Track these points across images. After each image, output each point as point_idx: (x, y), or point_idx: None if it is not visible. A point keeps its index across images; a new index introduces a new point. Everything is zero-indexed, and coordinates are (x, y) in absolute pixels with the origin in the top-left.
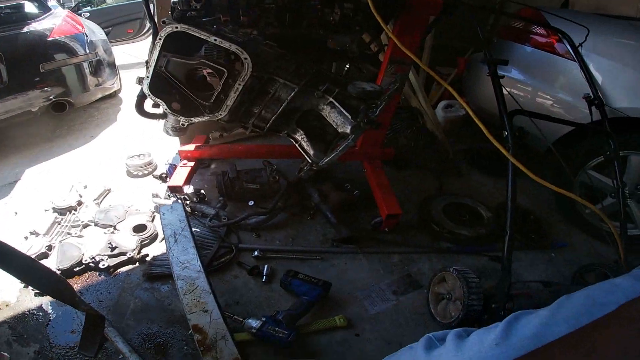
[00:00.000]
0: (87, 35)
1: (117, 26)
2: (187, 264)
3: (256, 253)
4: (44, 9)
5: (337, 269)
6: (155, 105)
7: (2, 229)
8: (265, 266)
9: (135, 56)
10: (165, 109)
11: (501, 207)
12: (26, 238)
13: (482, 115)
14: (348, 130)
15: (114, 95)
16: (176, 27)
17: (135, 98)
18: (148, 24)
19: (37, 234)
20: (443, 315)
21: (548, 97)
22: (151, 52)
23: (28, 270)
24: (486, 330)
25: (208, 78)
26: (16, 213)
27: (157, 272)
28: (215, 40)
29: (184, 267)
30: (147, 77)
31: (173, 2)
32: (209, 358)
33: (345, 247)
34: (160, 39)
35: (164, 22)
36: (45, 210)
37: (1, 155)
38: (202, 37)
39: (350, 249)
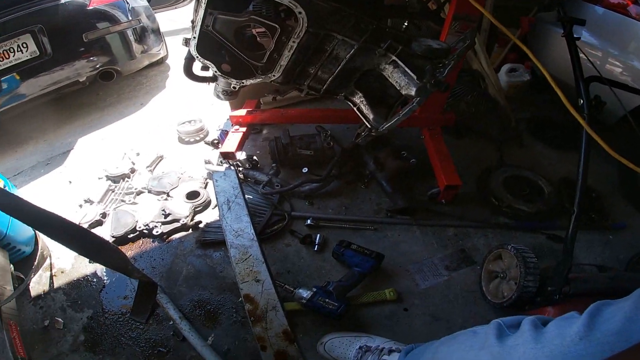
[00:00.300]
0: (127, 2)
1: None
2: (241, 232)
3: (309, 221)
4: None
5: (390, 241)
6: (204, 68)
7: (57, 197)
8: (318, 235)
9: (179, 22)
10: (215, 71)
11: (563, 182)
12: (80, 206)
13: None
14: (413, 92)
15: (161, 62)
16: None
17: (183, 61)
18: None
19: (91, 202)
20: (494, 294)
21: (619, 63)
22: (196, 10)
23: (80, 240)
24: (564, 321)
25: (258, 38)
26: (70, 182)
27: (210, 239)
28: None
29: (237, 235)
30: (194, 37)
31: None
32: (259, 328)
33: (400, 218)
34: None
35: None
36: (99, 179)
37: (54, 125)
38: None
39: (404, 220)
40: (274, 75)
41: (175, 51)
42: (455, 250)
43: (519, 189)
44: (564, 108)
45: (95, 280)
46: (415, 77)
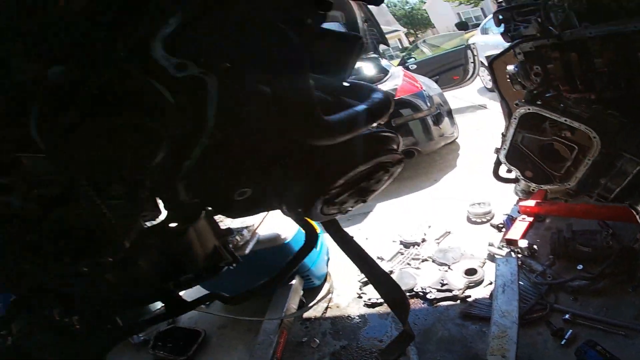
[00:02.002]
0: (425, 91)
1: (443, 74)
2: (507, 314)
3: (567, 316)
4: (384, 71)
5: (637, 349)
6: (509, 171)
7: None
8: (570, 331)
9: (463, 100)
10: (519, 176)
11: None
12: None
13: None
14: None
15: (452, 141)
16: (528, 109)
17: (493, 165)
18: (471, 70)
19: (382, 259)
20: None
21: None
22: (507, 128)
23: (386, 285)
24: None
25: (561, 151)
26: (367, 238)
27: (474, 313)
28: (565, 120)
29: (503, 315)
30: (504, 148)
31: (511, 73)
32: None
33: None
34: (515, 119)
35: (517, 104)
36: (393, 241)
37: None
38: (553, 117)
39: None
40: (569, 184)
41: (464, 130)
42: None
43: None
44: None
45: (360, 320)
46: None
